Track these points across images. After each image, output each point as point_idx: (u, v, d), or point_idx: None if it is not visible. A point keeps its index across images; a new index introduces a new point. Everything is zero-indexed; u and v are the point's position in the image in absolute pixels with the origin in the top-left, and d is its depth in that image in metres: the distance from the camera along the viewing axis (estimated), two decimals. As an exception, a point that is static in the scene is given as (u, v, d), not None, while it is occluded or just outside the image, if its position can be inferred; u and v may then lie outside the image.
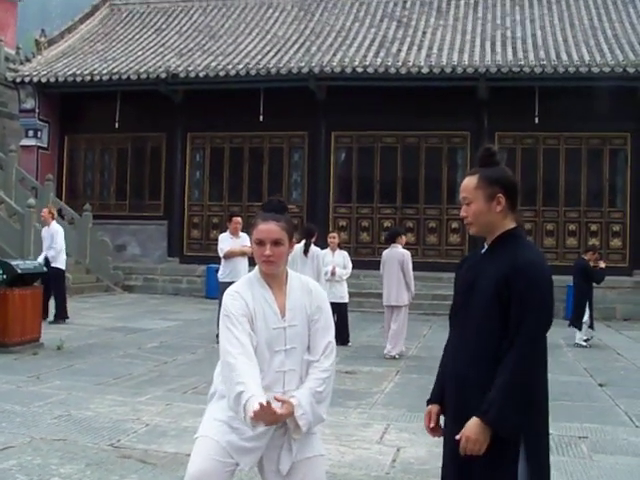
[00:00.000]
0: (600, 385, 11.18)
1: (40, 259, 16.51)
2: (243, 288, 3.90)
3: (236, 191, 26.28)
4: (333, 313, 13.97)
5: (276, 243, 3.82)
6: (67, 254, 23.04)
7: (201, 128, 26.26)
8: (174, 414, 8.25)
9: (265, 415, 3.47)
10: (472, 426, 3.46)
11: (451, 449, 3.70)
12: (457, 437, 3.49)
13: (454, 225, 24.91)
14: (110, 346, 13.40)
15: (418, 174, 25.33)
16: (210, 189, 26.71)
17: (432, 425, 3.87)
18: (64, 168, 27.84)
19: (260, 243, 3.83)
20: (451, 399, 3.73)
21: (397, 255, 13.80)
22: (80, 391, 9.28)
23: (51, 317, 16.30)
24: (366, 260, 23.25)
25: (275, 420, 3.60)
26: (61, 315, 16.48)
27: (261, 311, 3.81)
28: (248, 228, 14.99)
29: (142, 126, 26.33)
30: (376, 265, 22.59)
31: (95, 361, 11.89)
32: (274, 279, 3.90)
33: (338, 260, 14.96)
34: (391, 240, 14.21)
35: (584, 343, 15.33)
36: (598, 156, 24.03)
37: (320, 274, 13.55)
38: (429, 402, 3.93)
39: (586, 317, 15.57)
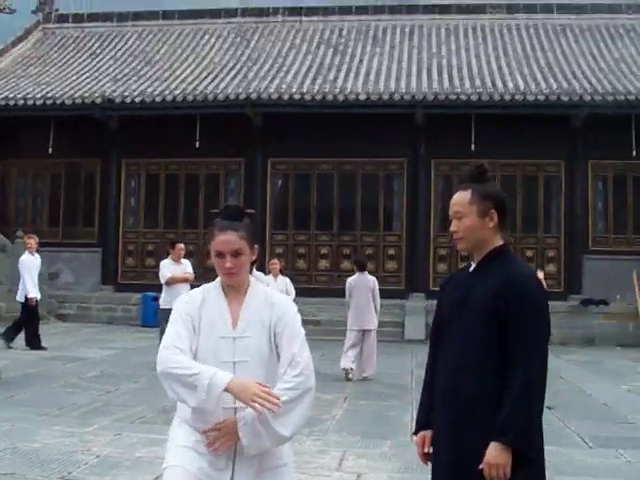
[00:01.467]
0: (548, 408, 11.19)
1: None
2: (196, 292, 3.79)
3: (172, 218, 25.99)
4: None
5: (236, 254, 3.66)
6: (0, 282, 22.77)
7: (136, 154, 25.94)
8: (125, 444, 8.01)
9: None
10: (492, 451, 3.35)
11: (443, 470, 3.61)
12: (480, 467, 3.37)
13: (390, 252, 24.98)
14: (50, 376, 13.04)
15: (355, 201, 25.37)
16: (145, 216, 26.41)
17: (426, 450, 3.78)
18: (-5, 194, 27.29)
19: (219, 255, 3.67)
20: (445, 416, 3.61)
21: (368, 282, 14.72)
22: (24, 422, 8.97)
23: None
24: (302, 287, 23.17)
25: (221, 438, 3.51)
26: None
27: (209, 317, 3.66)
28: (187, 255, 14.67)
29: (76, 152, 25.86)
30: (313, 292, 22.80)
31: (36, 391, 11.55)
32: (233, 288, 3.75)
33: (280, 286, 14.94)
34: (362, 268, 14.98)
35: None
36: (533, 183, 24.32)
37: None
38: (420, 429, 3.83)
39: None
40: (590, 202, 24.10)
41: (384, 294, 23.09)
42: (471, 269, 3.76)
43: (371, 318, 14.58)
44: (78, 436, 8.34)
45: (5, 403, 10.47)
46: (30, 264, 16.85)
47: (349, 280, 14.88)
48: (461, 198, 3.72)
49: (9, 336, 16.78)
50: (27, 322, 16.98)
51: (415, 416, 3.99)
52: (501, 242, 3.72)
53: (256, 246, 3.82)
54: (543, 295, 3.60)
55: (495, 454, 3.34)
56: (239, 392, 3.40)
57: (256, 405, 3.38)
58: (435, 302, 4.08)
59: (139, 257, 26.05)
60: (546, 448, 8.51)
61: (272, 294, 3.83)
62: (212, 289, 3.79)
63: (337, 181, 25.48)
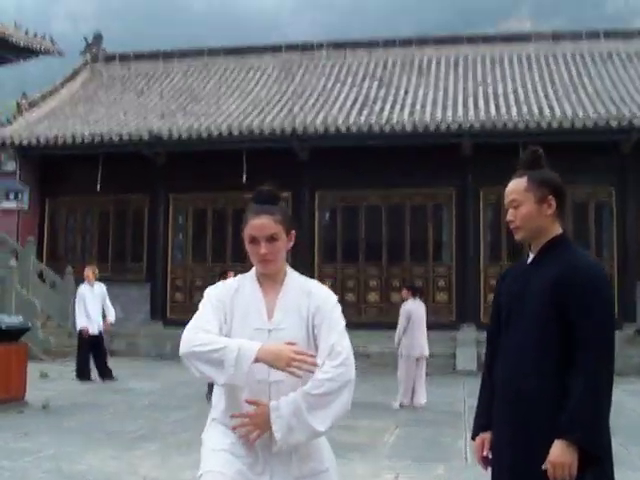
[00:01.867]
0: (607, 433, 10.89)
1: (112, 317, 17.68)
2: (231, 281, 3.61)
3: (219, 252, 26.00)
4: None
5: (272, 239, 3.44)
6: (49, 317, 22.87)
7: (184, 190, 26.06)
8: (172, 467, 7.89)
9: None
10: (557, 450, 3.17)
11: (504, 474, 3.41)
12: (544, 467, 3.17)
13: (441, 283, 24.72)
14: (98, 405, 13.01)
15: (403, 233, 25.18)
16: (193, 251, 26.48)
17: (485, 453, 3.58)
18: (45, 230, 27.52)
19: (254, 241, 3.47)
20: (506, 419, 3.42)
21: (423, 309, 14.79)
22: (70, 446, 8.92)
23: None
24: (352, 321, 22.89)
25: (251, 427, 3.27)
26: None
27: (242, 307, 3.47)
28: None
29: (124, 188, 26.07)
30: (362, 325, 22.50)
31: (84, 419, 11.50)
32: (269, 278, 3.54)
33: None
34: (418, 294, 15.07)
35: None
36: (584, 209, 23.93)
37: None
38: (478, 431, 3.66)
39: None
40: (643, 227, 23.67)
41: (435, 326, 22.96)
42: (529, 260, 3.59)
43: (427, 344, 14.69)
44: (125, 459, 8.25)
45: (53, 429, 10.43)
46: (84, 294, 17.17)
47: (409, 306, 14.65)
48: (517, 185, 3.61)
49: (82, 374, 16.96)
50: (79, 352, 17.17)
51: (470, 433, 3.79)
52: (560, 231, 3.56)
53: (293, 232, 3.59)
54: (608, 284, 3.42)
55: (560, 453, 3.15)
56: (272, 361, 3.20)
57: (295, 371, 3.19)
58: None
59: (187, 292, 26.06)
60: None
61: (309, 283, 3.61)
62: (246, 279, 3.60)
63: (385, 213, 25.35)
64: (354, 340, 15.94)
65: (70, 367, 18.94)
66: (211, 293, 3.56)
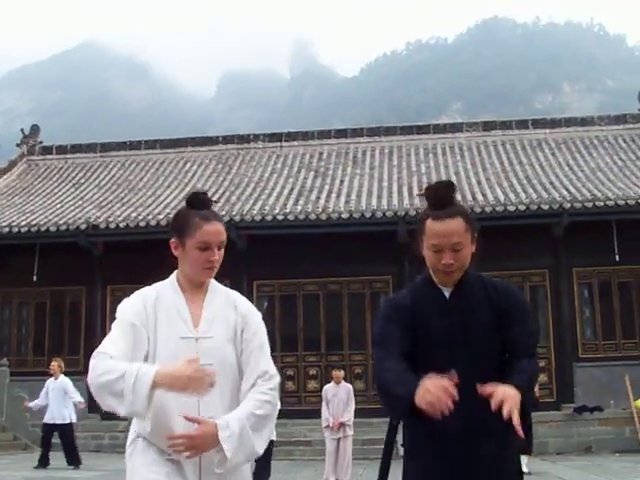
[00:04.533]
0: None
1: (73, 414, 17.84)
2: (148, 290, 3.42)
3: (158, 344, 25.72)
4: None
5: (220, 246, 3.41)
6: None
7: (121, 280, 25.73)
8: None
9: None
10: (510, 389, 3.07)
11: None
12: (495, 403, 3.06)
13: (380, 370, 24.71)
14: (36, 491, 12.74)
15: (341, 320, 25.25)
16: (130, 342, 26.15)
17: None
18: (-21, 323, 27.06)
19: (206, 248, 3.36)
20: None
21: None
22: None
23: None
24: (292, 409, 22.79)
25: (192, 446, 3.08)
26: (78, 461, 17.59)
27: (165, 317, 3.31)
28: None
29: (61, 279, 25.79)
30: (303, 414, 22.35)
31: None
32: (194, 285, 3.44)
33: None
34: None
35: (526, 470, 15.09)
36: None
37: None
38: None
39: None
40: (577, 310, 24.13)
41: (377, 412, 22.89)
42: (447, 293, 3.45)
43: None
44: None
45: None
46: (46, 386, 17.88)
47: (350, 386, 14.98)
48: (458, 227, 3.34)
49: (70, 460, 17.52)
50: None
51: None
52: None
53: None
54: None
55: (513, 392, 3.06)
56: (171, 385, 3.04)
57: (193, 392, 3.07)
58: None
59: (125, 384, 25.68)
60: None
61: (234, 294, 3.59)
62: (166, 286, 3.47)
63: (323, 301, 25.44)
64: (295, 429, 16.08)
65: (6, 460, 18.57)
66: (124, 309, 3.37)
